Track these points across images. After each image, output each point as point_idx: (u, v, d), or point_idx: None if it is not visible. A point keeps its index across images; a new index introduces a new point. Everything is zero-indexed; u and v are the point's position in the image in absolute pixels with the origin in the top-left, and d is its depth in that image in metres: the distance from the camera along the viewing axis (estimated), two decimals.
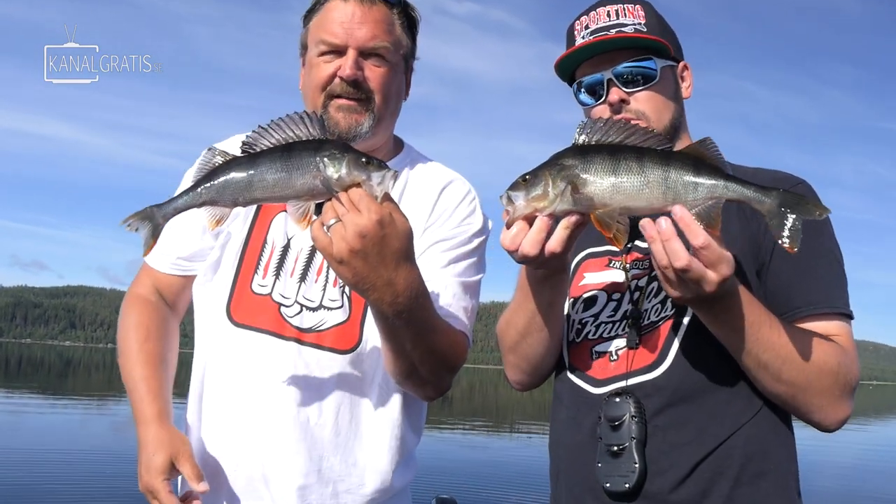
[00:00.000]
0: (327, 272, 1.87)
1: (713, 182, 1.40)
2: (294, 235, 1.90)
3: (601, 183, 1.41)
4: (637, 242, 1.82)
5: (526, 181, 1.43)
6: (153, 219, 1.53)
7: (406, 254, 1.51)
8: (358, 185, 1.44)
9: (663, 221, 1.40)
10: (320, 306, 1.86)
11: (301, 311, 1.85)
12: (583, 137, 1.45)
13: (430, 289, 1.73)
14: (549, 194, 1.42)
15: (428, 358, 1.68)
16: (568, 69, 1.87)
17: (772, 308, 1.60)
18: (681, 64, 1.88)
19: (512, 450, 17.78)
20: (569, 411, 1.82)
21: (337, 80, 1.83)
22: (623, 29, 1.77)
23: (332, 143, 1.48)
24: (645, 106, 1.77)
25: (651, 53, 1.77)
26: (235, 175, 1.48)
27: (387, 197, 1.46)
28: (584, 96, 1.84)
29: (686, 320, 1.69)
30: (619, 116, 1.75)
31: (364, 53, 1.84)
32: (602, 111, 1.79)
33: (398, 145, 2.06)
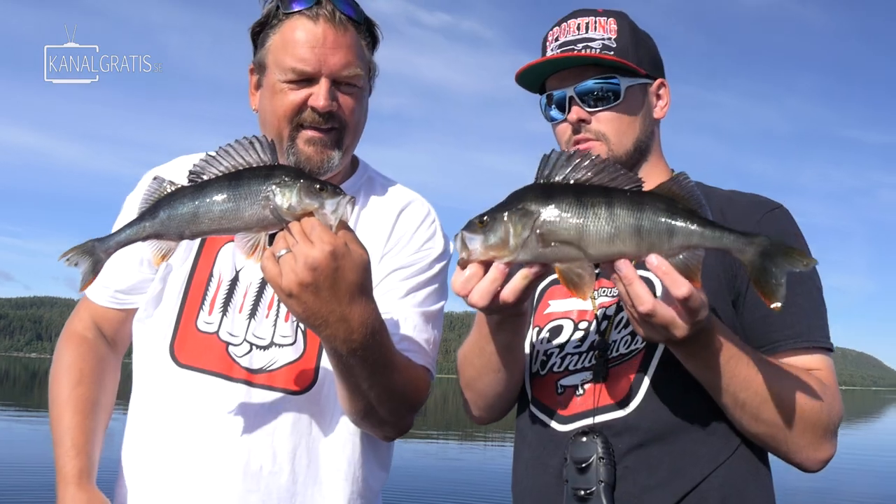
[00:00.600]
0: (278, 306, 1.75)
1: (689, 229, 1.29)
2: (243, 267, 1.79)
3: (568, 234, 1.28)
4: None
5: (483, 224, 1.30)
6: (93, 253, 1.45)
7: (362, 287, 1.42)
8: (311, 213, 1.36)
9: (622, 265, 1.30)
10: (271, 344, 1.74)
11: (251, 350, 1.73)
12: (546, 173, 1.33)
13: (388, 320, 1.63)
14: (510, 243, 1.29)
15: (386, 397, 1.58)
16: (535, 81, 1.79)
17: (749, 341, 1.53)
18: (656, 82, 1.78)
19: (486, 462, 17.67)
20: (533, 451, 1.73)
21: (308, 110, 1.70)
22: (590, 44, 1.69)
23: (284, 169, 1.40)
24: (606, 127, 1.69)
25: (618, 72, 1.69)
26: (180, 207, 1.39)
27: (342, 225, 1.37)
28: (553, 111, 1.77)
29: (658, 353, 1.60)
30: (577, 137, 1.69)
31: (336, 81, 1.71)
32: (564, 129, 1.73)
33: (353, 163, 1.94)
